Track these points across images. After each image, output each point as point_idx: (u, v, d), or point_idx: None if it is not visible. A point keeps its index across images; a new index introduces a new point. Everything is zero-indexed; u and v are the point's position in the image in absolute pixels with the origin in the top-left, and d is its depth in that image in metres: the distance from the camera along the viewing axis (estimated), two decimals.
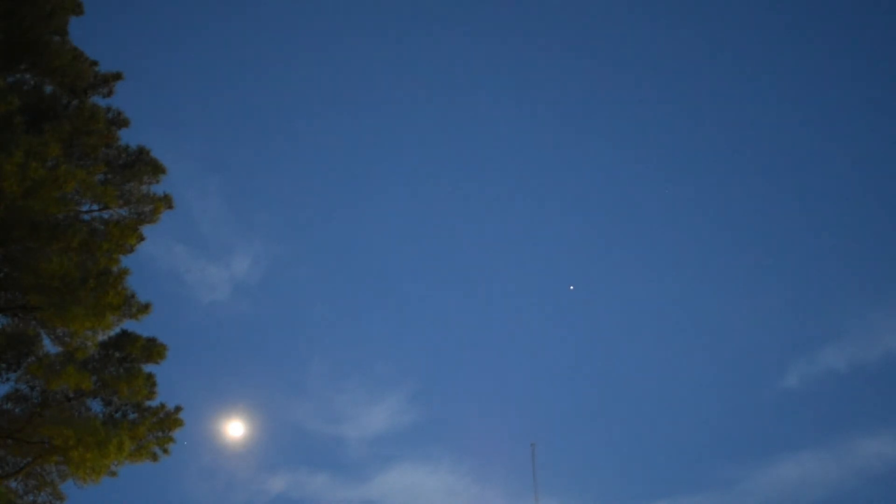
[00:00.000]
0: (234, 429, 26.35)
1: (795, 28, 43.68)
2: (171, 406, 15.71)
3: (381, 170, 45.52)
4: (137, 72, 16.79)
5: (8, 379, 14.93)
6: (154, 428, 15.38)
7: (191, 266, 39.94)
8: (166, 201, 15.81)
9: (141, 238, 15.45)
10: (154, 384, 15.33)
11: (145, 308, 15.11)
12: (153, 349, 15.34)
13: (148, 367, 15.52)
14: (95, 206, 15.36)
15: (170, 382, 15.75)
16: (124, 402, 15.27)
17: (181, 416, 15.79)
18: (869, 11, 43.14)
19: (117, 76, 16.10)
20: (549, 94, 44.91)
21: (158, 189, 16.06)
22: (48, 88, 15.44)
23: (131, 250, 15.40)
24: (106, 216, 15.44)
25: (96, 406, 15.30)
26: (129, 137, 16.23)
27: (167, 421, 15.52)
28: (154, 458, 15.52)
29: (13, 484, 15.18)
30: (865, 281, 41.31)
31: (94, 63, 15.86)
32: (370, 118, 45.20)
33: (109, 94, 16.08)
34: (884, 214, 42.37)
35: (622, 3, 44.29)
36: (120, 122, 15.82)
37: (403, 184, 45.50)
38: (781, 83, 44.05)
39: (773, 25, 44.02)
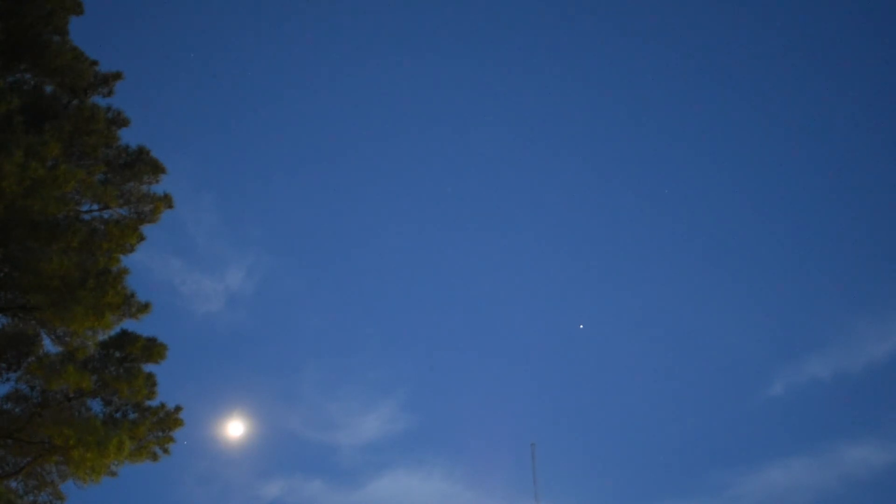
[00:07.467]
0: (234, 428, 26.45)
1: (770, 41, 44.12)
2: (170, 406, 15.71)
3: (373, 180, 45.73)
4: (131, 83, 16.77)
5: (8, 379, 14.90)
6: (154, 427, 15.35)
7: (186, 278, 40.11)
8: (166, 201, 15.80)
9: (141, 238, 15.44)
10: (154, 384, 15.30)
11: (145, 307, 15.06)
12: (153, 349, 15.30)
13: (148, 368, 15.51)
14: (95, 206, 15.34)
15: (165, 391, 15.74)
16: (124, 402, 15.23)
17: (181, 416, 15.79)
18: (848, 26, 43.49)
19: (117, 76, 16.09)
20: (536, 106, 45.27)
21: (158, 189, 16.10)
22: (48, 88, 15.43)
23: (132, 250, 15.40)
24: (106, 216, 15.42)
25: (96, 406, 15.25)
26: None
27: (167, 421, 15.49)
28: (154, 457, 15.50)
29: (13, 484, 15.13)
30: (849, 291, 41.69)
31: (94, 63, 15.84)
32: (364, 131, 45.47)
33: (109, 93, 16.08)
34: (867, 224, 42.71)
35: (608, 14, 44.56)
36: (120, 121, 15.81)
37: (395, 194, 45.74)
38: (762, 94, 44.38)
39: (751, 41, 44.45)
